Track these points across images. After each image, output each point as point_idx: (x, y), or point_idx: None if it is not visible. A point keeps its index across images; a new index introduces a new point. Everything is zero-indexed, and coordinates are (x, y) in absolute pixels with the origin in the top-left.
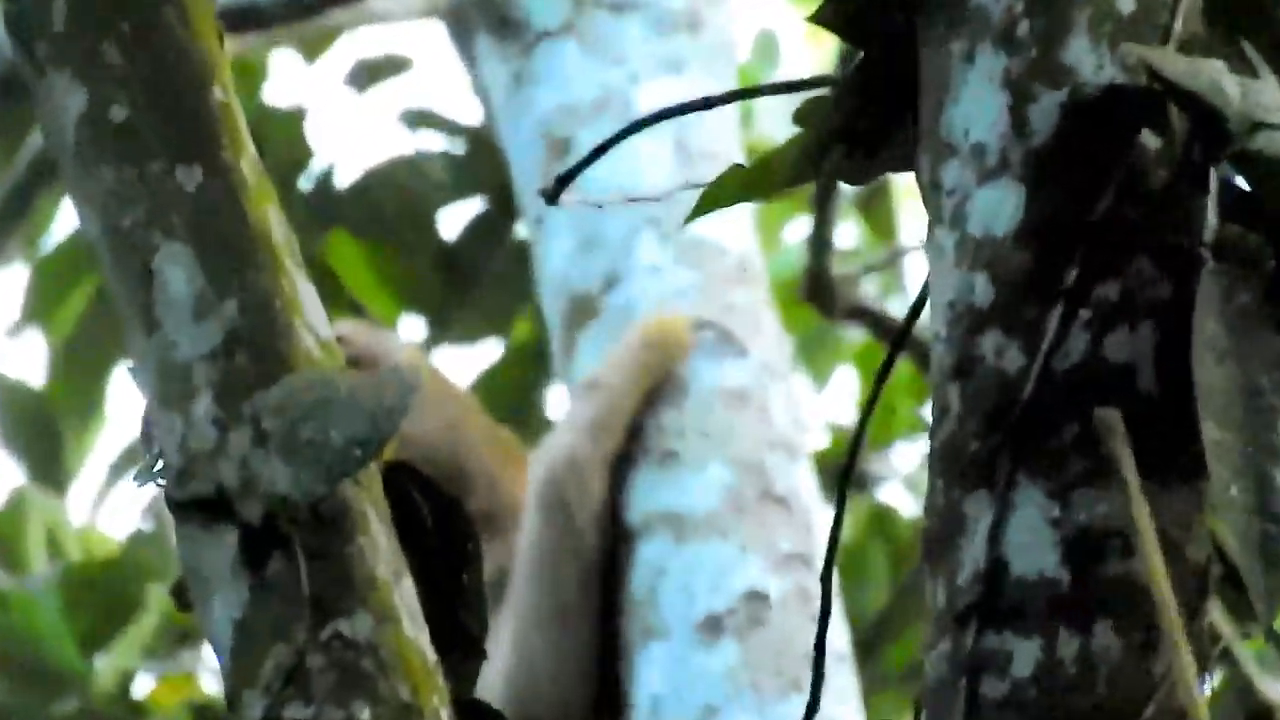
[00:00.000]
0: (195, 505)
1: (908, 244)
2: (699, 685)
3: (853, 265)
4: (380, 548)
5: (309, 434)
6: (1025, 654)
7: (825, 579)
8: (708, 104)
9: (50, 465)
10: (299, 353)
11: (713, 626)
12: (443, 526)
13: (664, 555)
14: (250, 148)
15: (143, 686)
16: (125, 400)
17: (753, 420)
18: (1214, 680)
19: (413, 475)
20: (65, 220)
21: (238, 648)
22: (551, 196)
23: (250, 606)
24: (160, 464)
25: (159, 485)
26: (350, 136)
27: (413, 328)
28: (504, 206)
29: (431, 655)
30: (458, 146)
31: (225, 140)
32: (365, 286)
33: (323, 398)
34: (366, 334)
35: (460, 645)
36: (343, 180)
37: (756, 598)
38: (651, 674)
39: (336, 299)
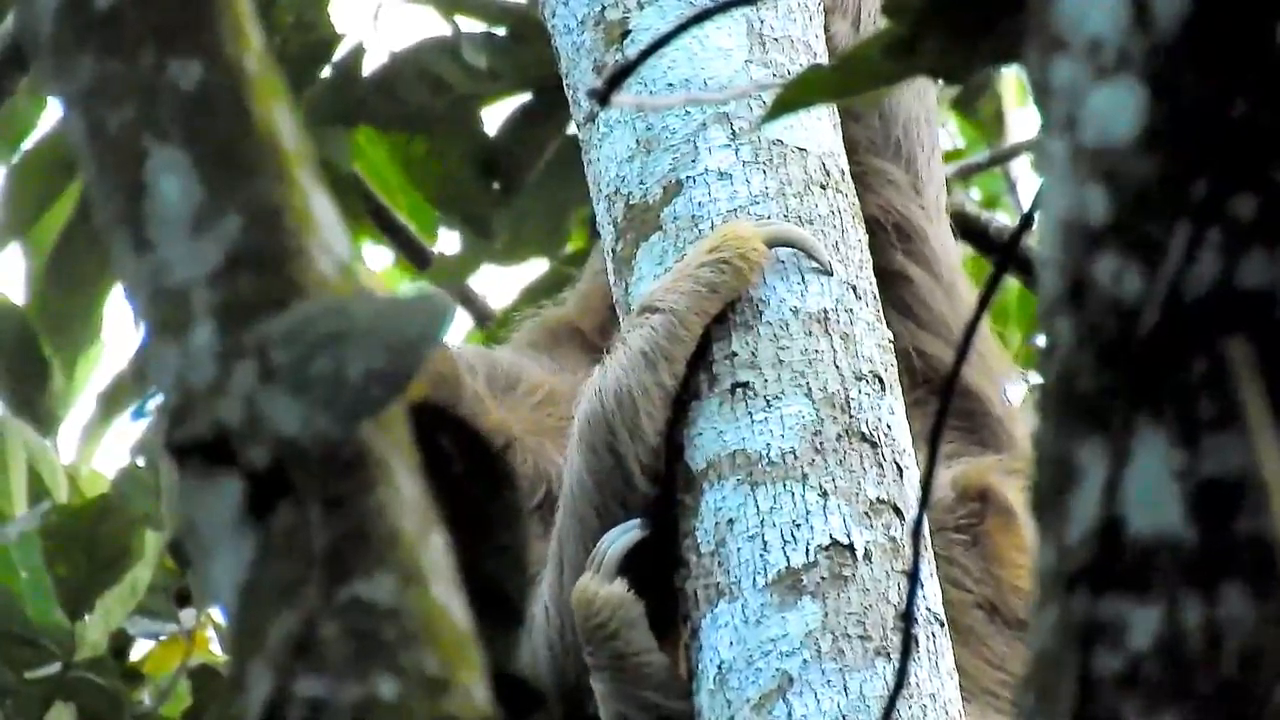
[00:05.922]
0: (193, 449)
1: (1017, 145)
2: (773, 651)
3: (953, 169)
4: (405, 499)
5: (323, 369)
6: (1144, 624)
7: (915, 534)
8: None
9: (34, 397)
10: (312, 275)
11: (789, 584)
12: (478, 476)
13: (733, 502)
14: (256, 39)
15: (136, 648)
16: (124, 325)
17: (836, 348)
18: None
19: (443, 417)
20: (51, 115)
21: (241, 612)
22: (602, 96)
23: (255, 565)
24: (155, 401)
25: (153, 426)
26: (378, 18)
27: (449, 240)
28: (553, 99)
29: (464, 622)
30: (500, 30)
31: (228, 30)
32: (394, 189)
33: (339, 327)
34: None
35: (498, 611)
36: (369, 67)
37: (840, 550)
38: (718, 639)
39: (365, 203)
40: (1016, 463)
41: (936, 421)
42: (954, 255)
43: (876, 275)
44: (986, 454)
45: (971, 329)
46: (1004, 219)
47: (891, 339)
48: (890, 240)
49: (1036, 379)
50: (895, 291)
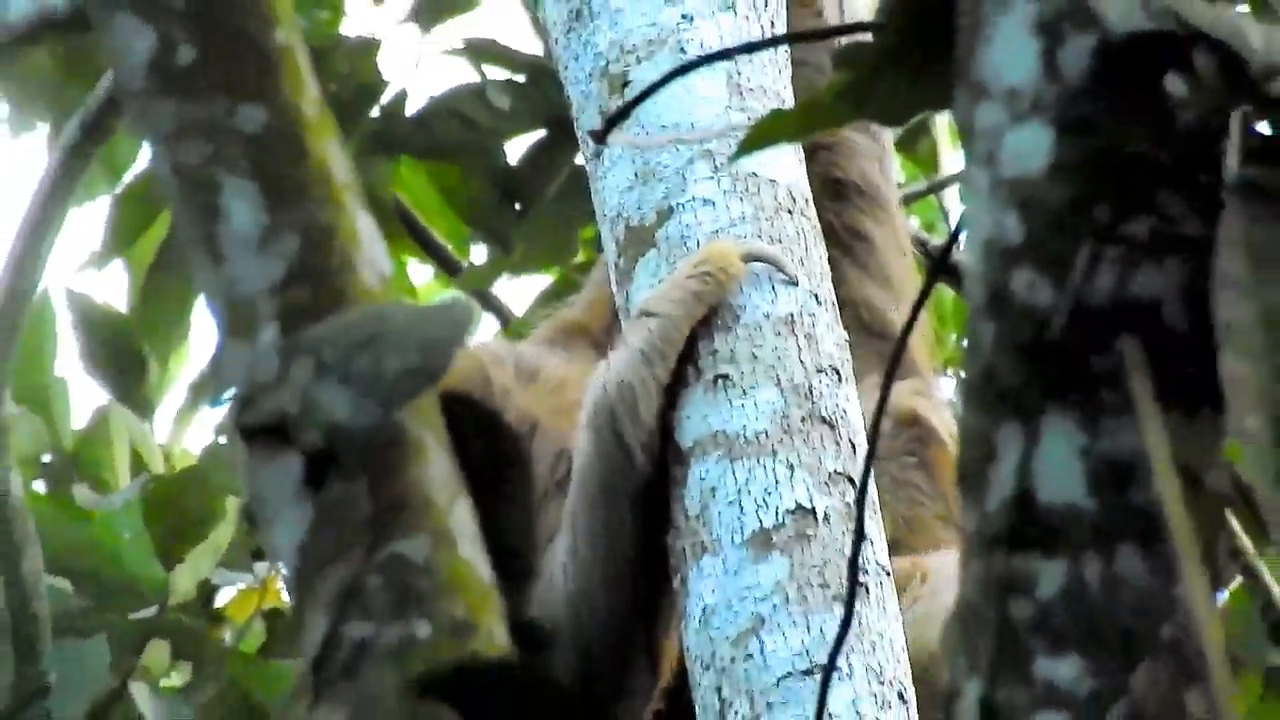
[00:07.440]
0: (259, 431)
1: (948, 177)
2: (748, 597)
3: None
4: (437, 473)
5: (365, 365)
6: (1052, 576)
7: (859, 501)
8: (751, 48)
9: (134, 388)
10: (358, 286)
11: (762, 542)
12: (497, 455)
13: (716, 474)
14: (312, 87)
15: (220, 596)
16: (207, 328)
17: (801, 346)
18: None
19: (470, 405)
20: (146, 152)
21: (300, 568)
22: (600, 136)
23: (311, 529)
24: (229, 391)
25: (228, 413)
26: (419, 67)
27: (479, 255)
28: (564, 135)
29: (487, 576)
30: (520, 77)
31: (287, 81)
32: (431, 210)
33: (379, 330)
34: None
35: (513, 567)
36: (411, 108)
37: (804, 514)
38: (703, 587)
39: (406, 225)
40: (922, 384)
41: (878, 407)
42: (903, 219)
43: (844, 235)
44: (900, 380)
45: (905, 333)
46: (939, 241)
47: (847, 339)
48: (860, 204)
49: (964, 374)
50: (855, 250)
